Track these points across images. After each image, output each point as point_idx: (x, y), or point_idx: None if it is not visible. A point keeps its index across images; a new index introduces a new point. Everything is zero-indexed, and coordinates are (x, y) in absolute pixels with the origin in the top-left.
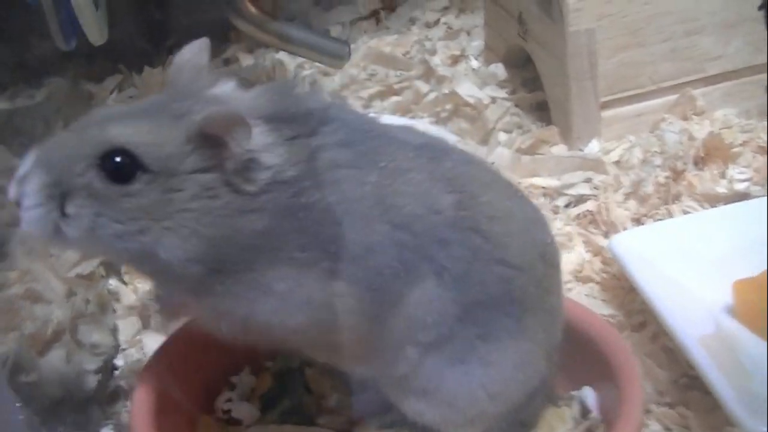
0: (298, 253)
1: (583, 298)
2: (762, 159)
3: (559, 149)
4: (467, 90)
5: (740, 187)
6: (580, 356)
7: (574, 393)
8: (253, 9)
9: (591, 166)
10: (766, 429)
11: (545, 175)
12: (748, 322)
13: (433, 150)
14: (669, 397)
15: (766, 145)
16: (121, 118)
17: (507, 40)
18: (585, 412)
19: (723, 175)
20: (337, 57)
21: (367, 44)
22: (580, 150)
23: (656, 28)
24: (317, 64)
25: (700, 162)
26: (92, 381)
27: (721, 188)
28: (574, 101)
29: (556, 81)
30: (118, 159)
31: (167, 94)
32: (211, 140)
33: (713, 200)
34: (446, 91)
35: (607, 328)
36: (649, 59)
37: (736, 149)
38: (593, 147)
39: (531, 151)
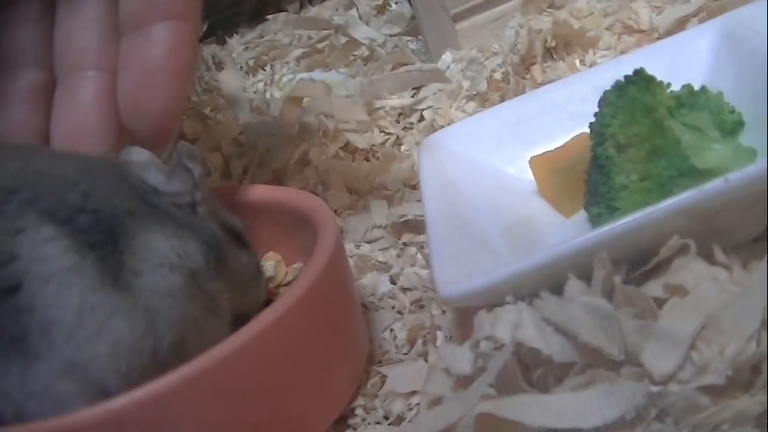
0: None
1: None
2: (628, 39)
3: (411, 68)
4: (362, 33)
5: None
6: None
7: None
8: None
9: (433, 78)
10: None
11: (398, 96)
12: (549, 198)
13: None
14: None
15: (633, 24)
16: None
17: None
18: None
19: (584, 62)
20: None
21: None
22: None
23: None
24: None
25: (555, 54)
26: None
27: None
28: (425, 18)
29: (414, 3)
30: None
31: None
32: None
33: None
34: (345, 39)
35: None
36: None
37: (591, 33)
38: (446, 59)
39: None
